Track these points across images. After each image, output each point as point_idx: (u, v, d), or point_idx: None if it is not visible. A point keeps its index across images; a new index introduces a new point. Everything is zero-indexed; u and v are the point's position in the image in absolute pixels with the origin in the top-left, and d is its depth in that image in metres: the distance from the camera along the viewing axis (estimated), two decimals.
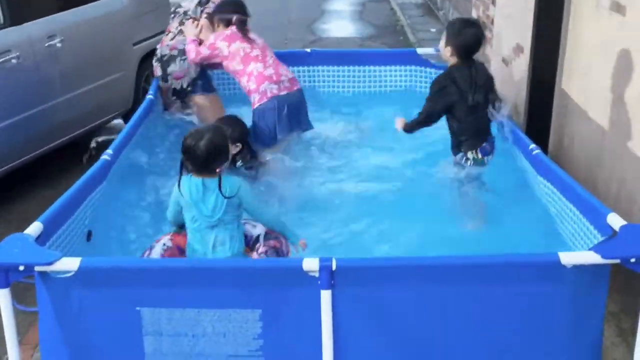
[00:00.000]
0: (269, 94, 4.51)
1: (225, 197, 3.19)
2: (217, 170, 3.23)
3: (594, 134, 4.79)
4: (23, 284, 3.45)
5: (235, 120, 4.34)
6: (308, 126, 4.79)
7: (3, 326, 2.71)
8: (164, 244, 3.36)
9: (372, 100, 5.65)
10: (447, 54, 4.05)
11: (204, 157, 3.18)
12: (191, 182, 3.25)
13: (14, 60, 4.77)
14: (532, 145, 3.75)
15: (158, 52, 4.99)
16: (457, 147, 4.16)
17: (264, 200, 3.83)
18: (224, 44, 4.63)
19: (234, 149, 4.04)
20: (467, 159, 4.11)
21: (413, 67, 5.71)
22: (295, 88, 4.68)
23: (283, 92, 4.56)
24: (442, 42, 4.09)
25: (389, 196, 4.18)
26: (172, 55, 4.91)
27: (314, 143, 4.87)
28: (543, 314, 2.72)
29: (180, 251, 3.37)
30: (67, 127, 5.37)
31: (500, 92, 4.36)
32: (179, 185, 3.27)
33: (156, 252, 3.31)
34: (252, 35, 4.73)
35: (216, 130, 3.30)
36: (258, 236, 3.42)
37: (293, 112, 4.58)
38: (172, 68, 4.89)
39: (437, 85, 4.05)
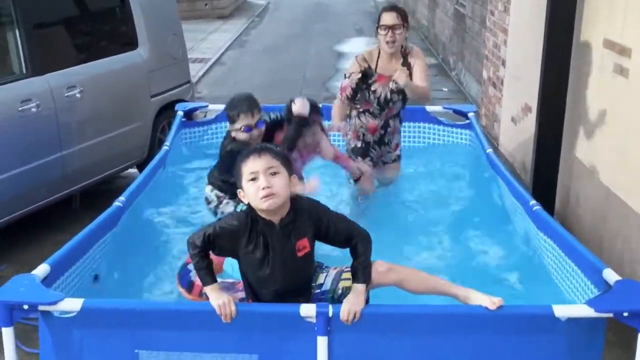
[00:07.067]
0: None
1: None
2: None
3: (599, 194, 4.83)
4: (30, 326, 3.53)
5: None
6: None
7: None
8: None
9: None
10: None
11: None
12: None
13: (33, 109, 4.93)
14: (533, 202, 3.79)
15: None
16: None
17: None
18: None
19: None
20: None
21: (422, 124, 5.83)
22: None
23: None
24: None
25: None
26: None
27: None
28: None
29: None
30: (83, 174, 5.49)
31: None
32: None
33: None
34: None
35: None
36: None
37: None
38: None
39: None
